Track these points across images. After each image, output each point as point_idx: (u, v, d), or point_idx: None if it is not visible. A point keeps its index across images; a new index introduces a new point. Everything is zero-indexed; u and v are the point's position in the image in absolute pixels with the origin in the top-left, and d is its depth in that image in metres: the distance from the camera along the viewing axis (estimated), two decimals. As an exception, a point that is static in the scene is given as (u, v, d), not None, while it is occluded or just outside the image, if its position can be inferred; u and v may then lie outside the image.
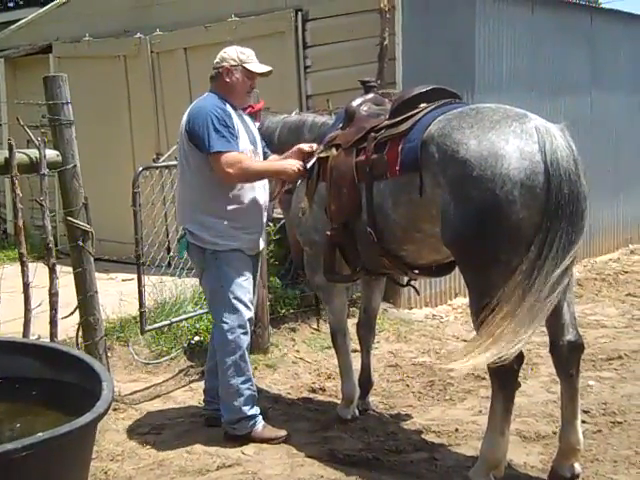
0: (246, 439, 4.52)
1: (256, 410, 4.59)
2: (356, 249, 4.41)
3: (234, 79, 4.55)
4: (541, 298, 3.52)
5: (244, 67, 4.55)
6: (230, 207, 4.50)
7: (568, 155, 3.57)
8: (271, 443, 4.51)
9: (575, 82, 9.48)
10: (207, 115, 4.40)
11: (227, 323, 4.49)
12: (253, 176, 4.53)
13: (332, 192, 4.40)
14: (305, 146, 4.63)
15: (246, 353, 4.57)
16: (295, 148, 4.66)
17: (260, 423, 4.59)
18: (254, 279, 4.76)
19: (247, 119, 4.76)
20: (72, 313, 4.89)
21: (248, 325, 4.57)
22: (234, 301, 4.49)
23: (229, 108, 4.51)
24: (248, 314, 4.56)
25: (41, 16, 10.21)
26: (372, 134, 4.24)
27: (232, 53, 4.57)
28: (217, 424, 4.69)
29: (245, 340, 4.55)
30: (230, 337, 4.48)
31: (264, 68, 4.63)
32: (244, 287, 4.56)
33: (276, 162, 4.68)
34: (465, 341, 6.45)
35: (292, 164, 4.54)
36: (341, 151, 4.40)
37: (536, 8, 8.80)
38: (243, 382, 4.53)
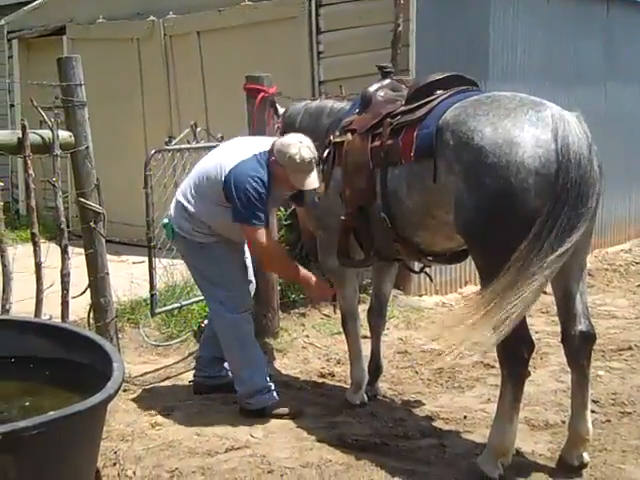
0: (261, 415, 4.60)
1: (268, 382, 4.68)
2: (370, 234, 4.41)
3: (277, 172, 4.43)
4: (532, 277, 3.48)
5: (286, 172, 4.41)
6: (223, 234, 4.60)
7: (580, 139, 3.54)
8: (285, 418, 4.59)
9: (590, 73, 9.40)
10: (246, 186, 4.32)
11: (225, 304, 4.60)
12: (277, 263, 4.70)
13: (347, 177, 4.39)
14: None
15: (249, 326, 4.68)
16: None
17: (274, 400, 4.67)
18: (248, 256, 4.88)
19: None
20: (83, 293, 4.91)
21: (249, 302, 4.72)
22: (225, 281, 4.60)
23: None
24: (247, 292, 4.74)
25: (55, -3, 10.20)
26: (388, 120, 4.22)
27: (284, 152, 4.36)
28: (204, 391, 5.00)
29: (246, 316, 4.66)
30: (228, 314, 4.59)
31: (310, 185, 4.43)
32: (237, 266, 4.69)
33: (306, 274, 4.68)
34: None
35: (320, 289, 4.69)
36: (356, 136, 4.39)
37: (552, -3, 8.74)
38: (251, 351, 4.65)
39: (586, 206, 3.55)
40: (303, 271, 4.67)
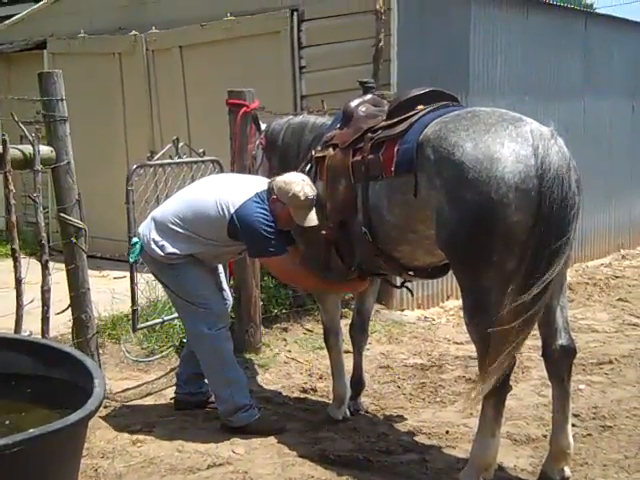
0: (242, 431, 4.58)
1: (249, 399, 4.66)
2: (351, 248, 4.42)
3: (277, 211, 4.44)
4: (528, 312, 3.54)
5: (288, 210, 4.43)
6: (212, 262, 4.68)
7: (560, 159, 3.57)
8: (267, 435, 4.56)
9: (569, 86, 9.50)
10: (257, 225, 4.35)
11: (202, 320, 4.58)
12: (306, 282, 4.82)
13: (328, 191, 4.40)
14: None
15: (227, 343, 4.67)
16: None
17: (256, 416, 4.65)
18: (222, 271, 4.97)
19: None
20: (65, 310, 4.88)
21: (226, 318, 4.73)
22: (201, 299, 4.57)
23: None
24: (223, 307, 4.74)
25: (36, 12, 10.16)
26: (369, 134, 4.24)
27: (286, 190, 4.39)
28: (185, 407, 5.00)
29: (223, 332, 4.64)
30: (206, 330, 4.57)
31: (309, 222, 4.44)
32: (209, 282, 4.68)
33: (340, 283, 4.71)
34: (457, 343, 6.48)
35: (356, 286, 4.77)
36: (338, 151, 4.40)
37: (531, 12, 8.82)
38: (231, 371, 4.63)
39: (570, 227, 3.58)
40: (334, 281, 4.67)
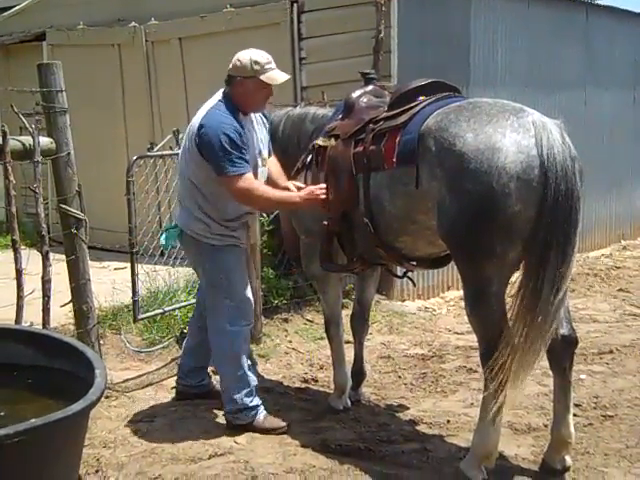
0: (247, 429, 4.54)
1: (257, 401, 4.61)
2: (353, 239, 4.41)
3: (248, 91, 4.36)
4: (545, 324, 3.57)
5: (259, 79, 4.37)
6: (227, 210, 4.46)
7: (564, 151, 3.57)
8: (272, 434, 4.51)
9: (570, 78, 9.49)
10: (220, 136, 4.21)
11: (227, 315, 4.48)
12: (264, 204, 4.61)
13: (330, 182, 4.39)
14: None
15: (245, 344, 4.60)
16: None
17: (262, 413, 4.60)
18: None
19: (255, 120, 4.59)
20: (67, 303, 4.89)
21: (250, 316, 4.61)
22: (233, 291, 4.48)
23: (241, 117, 4.38)
24: (249, 305, 4.59)
25: (35, 3, 10.13)
26: (370, 126, 4.23)
27: (246, 63, 4.33)
28: (186, 398, 4.99)
29: (245, 331, 4.58)
30: (229, 329, 4.48)
31: (280, 78, 4.42)
32: (244, 278, 4.58)
33: (287, 195, 4.51)
34: (458, 334, 6.48)
35: (309, 199, 4.41)
36: (339, 142, 4.39)
37: (532, 3, 8.80)
38: (243, 373, 4.55)
39: (577, 217, 3.59)
40: (287, 194, 4.51)
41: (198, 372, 5.03)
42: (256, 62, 4.34)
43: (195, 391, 5.03)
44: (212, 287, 4.56)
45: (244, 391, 4.55)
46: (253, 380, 4.64)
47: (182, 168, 4.54)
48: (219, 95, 4.46)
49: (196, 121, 4.37)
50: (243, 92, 4.38)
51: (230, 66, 4.41)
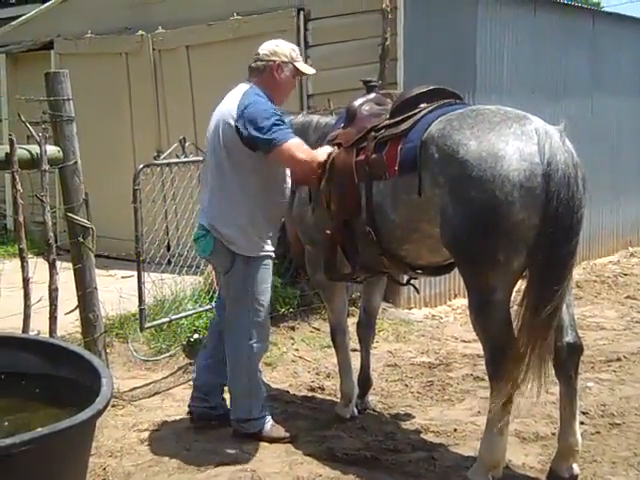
0: (255, 438, 4.50)
1: (266, 410, 4.58)
2: (356, 248, 4.41)
3: (283, 76, 4.35)
4: (548, 330, 3.61)
5: (295, 66, 4.37)
6: (269, 211, 4.39)
7: (567, 159, 3.56)
8: (279, 442, 4.49)
9: (576, 84, 9.48)
10: (268, 109, 4.17)
11: (248, 330, 4.40)
12: (318, 164, 4.35)
13: (333, 191, 4.39)
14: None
15: (257, 362, 4.53)
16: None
17: (269, 422, 4.56)
18: None
19: None
20: (73, 310, 4.90)
21: (267, 330, 4.55)
22: (257, 306, 4.40)
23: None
24: (268, 321, 4.54)
25: (43, 12, 10.21)
26: (372, 134, 4.23)
27: (285, 48, 4.35)
28: (206, 421, 4.68)
29: (263, 348, 4.53)
30: (248, 343, 4.41)
31: (311, 70, 4.49)
32: (267, 292, 4.47)
33: (324, 151, 4.42)
34: (464, 342, 6.47)
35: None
36: (342, 150, 4.39)
37: (538, 10, 8.80)
38: (256, 383, 4.51)
39: (579, 225, 3.59)
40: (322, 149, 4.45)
41: (219, 391, 4.77)
42: (293, 49, 4.41)
43: (218, 412, 4.71)
44: (237, 296, 4.42)
45: (254, 402, 4.51)
46: (263, 392, 4.60)
47: (217, 168, 4.32)
48: (245, 86, 4.36)
49: (231, 106, 4.23)
50: (278, 78, 4.36)
51: (264, 52, 4.37)
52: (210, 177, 4.42)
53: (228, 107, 4.28)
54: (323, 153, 4.40)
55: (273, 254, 4.50)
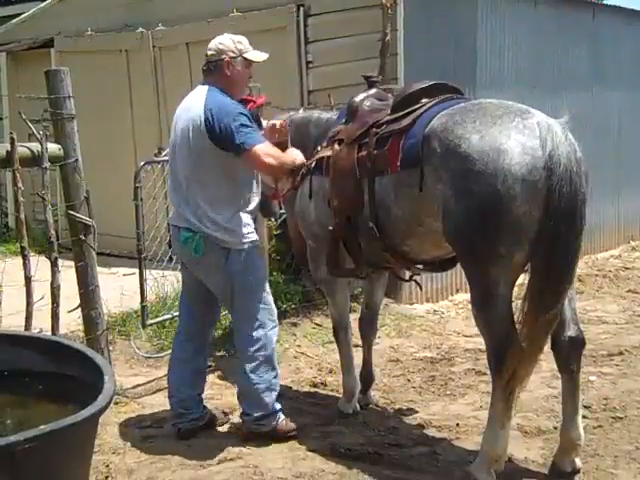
0: (271, 435, 4.44)
1: (280, 404, 4.55)
2: (359, 244, 4.41)
3: (235, 72, 4.40)
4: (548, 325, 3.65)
5: (244, 57, 4.41)
6: (249, 198, 4.42)
7: (569, 152, 3.56)
8: (290, 435, 4.47)
9: (577, 78, 9.46)
10: (234, 112, 4.21)
11: (258, 318, 4.39)
12: (287, 167, 4.40)
13: (335, 187, 4.40)
14: (276, 122, 4.59)
15: (273, 348, 4.50)
16: (270, 124, 4.59)
17: (282, 417, 4.52)
18: None
19: None
20: (76, 308, 4.90)
21: (275, 313, 4.56)
22: (264, 293, 4.43)
23: None
24: (273, 303, 4.56)
25: (43, 10, 10.20)
26: (374, 129, 4.23)
27: (229, 43, 4.39)
28: (193, 436, 4.53)
29: (276, 333, 4.55)
30: (262, 332, 4.40)
31: (262, 56, 4.49)
32: (267, 277, 4.57)
33: (293, 154, 4.46)
34: (466, 336, 6.47)
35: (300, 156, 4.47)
36: (343, 146, 4.39)
37: (539, 4, 8.78)
38: (275, 377, 4.49)
39: (582, 220, 3.59)
40: (296, 156, 4.47)
41: (199, 401, 4.67)
42: (239, 42, 4.42)
43: (203, 422, 4.63)
44: (241, 289, 4.37)
45: (274, 395, 4.47)
46: (278, 384, 4.56)
47: (191, 167, 4.34)
48: (203, 89, 4.41)
49: (198, 110, 4.27)
50: (231, 74, 4.40)
51: (211, 52, 4.43)
52: (184, 179, 4.39)
53: (195, 111, 4.30)
54: (291, 155, 4.44)
55: (260, 242, 4.58)
